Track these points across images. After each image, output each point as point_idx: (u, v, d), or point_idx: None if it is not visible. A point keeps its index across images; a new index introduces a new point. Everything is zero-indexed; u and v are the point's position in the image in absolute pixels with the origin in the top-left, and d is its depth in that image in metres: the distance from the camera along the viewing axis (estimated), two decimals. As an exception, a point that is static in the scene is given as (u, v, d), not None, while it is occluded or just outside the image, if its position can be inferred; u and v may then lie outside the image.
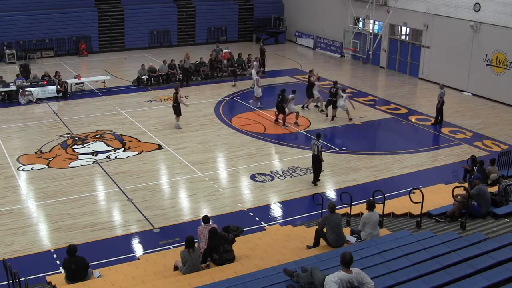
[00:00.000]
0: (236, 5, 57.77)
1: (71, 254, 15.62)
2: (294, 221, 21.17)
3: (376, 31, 47.94)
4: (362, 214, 16.52)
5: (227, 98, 37.50)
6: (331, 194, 24.02)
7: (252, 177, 25.36)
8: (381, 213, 17.68)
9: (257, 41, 56.61)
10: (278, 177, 25.43)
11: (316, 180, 24.76)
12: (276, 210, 22.66)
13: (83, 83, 39.88)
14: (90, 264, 16.01)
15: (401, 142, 30.22)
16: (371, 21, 48.05)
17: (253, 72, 38.09)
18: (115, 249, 19.62)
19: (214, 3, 56.25)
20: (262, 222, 21.35)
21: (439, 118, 32.51)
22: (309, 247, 16.39)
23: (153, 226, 21.09)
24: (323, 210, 18.85)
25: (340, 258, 11.02)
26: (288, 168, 26.34)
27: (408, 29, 45.19)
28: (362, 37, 48.86)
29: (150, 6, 53.44)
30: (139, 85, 40.41)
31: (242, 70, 43.45)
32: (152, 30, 53.97)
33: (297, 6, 57.24)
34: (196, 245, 15.95)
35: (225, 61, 44.23)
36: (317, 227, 16.39)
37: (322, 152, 24.60)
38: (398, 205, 20.04)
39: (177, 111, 31.22)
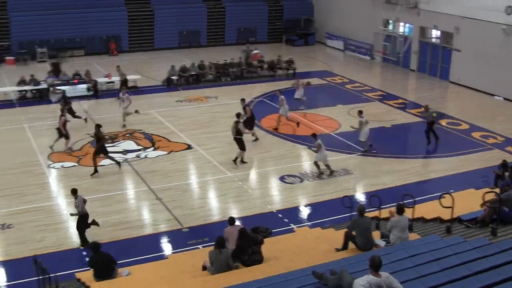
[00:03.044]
0: (265, 6, 57.79)
1: (96, 251, 15.76)
2: (323, 224, 21.09)
3: (406, 34, 47.65)
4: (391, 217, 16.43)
5: (257, 99, 37.50)
6: (360, 197, 23.91)
7: (281, 179, 25.33)
8: (411, 217, 17.57)
9: (287, 42, 56.67)
10: (308, 179, 25.37)
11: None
12: (305, 212, 22.63)
13: (113, 82, 40.15)
14: (119, 262, 16.12)
15: (432, 146, 29.94)
16: (401, 24, 47.79)
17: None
18: (144, 247, 19.72)
19: (244, 4, 56.35)
20: (291, 224, 21.32)
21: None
22: (338, 250, 16.32)
23: (182, 226, 21.17)
24: (352, 213, 18.77)
25: (369, 261, 10.95)
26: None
27: (438, 32, 44.83)
28: (392, 40, 48.55)
29: (180, 6, 53.68)
30: (169, 85, 40.60)
31: (272, 71, 43.52)
32: (181, 30, 54.18)
33: (327, 8, 57.07)
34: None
35: (255, 62, 44.26)
36: (346, 230, 16.33)
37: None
38: (428, 209, 19.84)
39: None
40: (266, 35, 58.14)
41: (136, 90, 38.77)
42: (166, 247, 20.08)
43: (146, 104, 35.73)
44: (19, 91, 38.22)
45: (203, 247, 19.23)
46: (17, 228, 21.12)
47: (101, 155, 26.15)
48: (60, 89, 37.39)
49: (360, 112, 28.53)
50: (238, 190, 24.26)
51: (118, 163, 26.26)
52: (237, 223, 17.59)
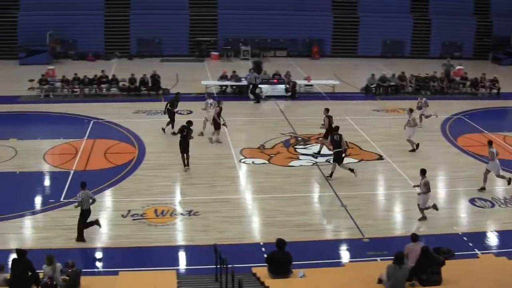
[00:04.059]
0: (473, 21, 55.76)
1: (281, 247, 15.86)
2: (510, 254, 19.96)
3: None
4: None
5: (455, 117, 36.28)
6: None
7: (471, 201, 24.19)
8: None
9: (493, 60, 54.30)
10: (499, 205, 24.08)
11: None
12: (493, 239, 21.45)
13: (312, 85, 40.59)
14: (296, 263, 16.16)
15: None
16: None
17: None
18: (322, 252, 19.67)
19: (451, 17, 54.56)
20: (476, 249, 20.28)
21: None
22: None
23: (363, 236, 20.86)
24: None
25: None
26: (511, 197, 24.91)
27: None
28: None
29: (386, 16, 53.12)
30: (367, 93, 40.37)
31: (474, 89, 41.93)
32: (385, 39, 53.70)
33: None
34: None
35: (457, 78, 42.85)
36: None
37: None
38: None
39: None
40: (472, 51, 56.08)
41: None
42: (344, 254, 19.90)
43: (343, 110, 35.72)
44: (220, 85, 39.70)
45: (381, 259, 18.79)
46: (202, 217, 21.90)
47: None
48: (259, 88, 38.39)
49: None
50: (425, 207, 23.54)
51: (352, 170, 26.08)
52: (420, 240, 17.06)
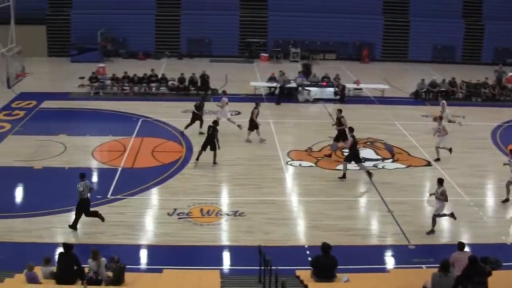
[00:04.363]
0: (528, 27, 54.69)
1: (326, 251, 15.78)
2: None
3: None
4: None
5: (507, 124, 35.63)
6: None
7: (521, 211, 23.81)
8: None
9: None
10: (551, 215, 23.58)
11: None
12: (543, 250, 21.06)
13: (361, 89, 40.36)
14: (340, 267, 16.06)
15: None
16: None
17: None
18: (367, 257, 19.50)
19: (505, 22, 53.41)
20: (525, 260, 19.95)
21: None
22: None
23: (409, 242, 20.60)
24: None
25: None
26: None
27: None
28: None
29: (438, 20, 52.39)
30: (416, 99, 39.94)
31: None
32: (436, 44, 53.04)
33: None
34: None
35: (510, 85, 42.12)
36: None
37: None
38: None
39: None
40: (526, 58, 55.04)
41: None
42: (389, 260, 19.69)
43: (392, 115, 35.42)
44: (269, 87, 39.72)
45: (426, 267, 18.53)
46: (248, 217, 21.92)
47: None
48: (308, 90, 38.33)
49: None
50: (472, 216, 23.06)
51: (369, 173, 26.08)
52: (466, 249, 16.80)
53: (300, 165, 27.55)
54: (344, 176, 25.92)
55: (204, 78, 39.49)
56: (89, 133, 31.33)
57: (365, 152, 29.07)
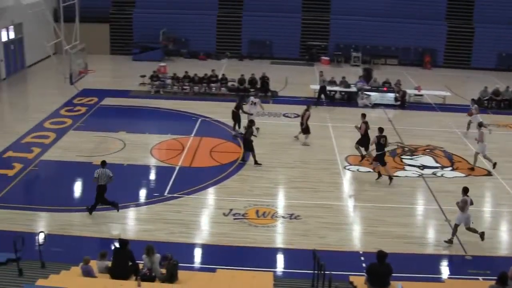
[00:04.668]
0: None
1: (381, 259, 15.58)
2: None
3: None
4: None
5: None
6: None
7: None
8: None
9: None
10: None
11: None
12: None
13: (422, 95, 39.83)
14: (394, 275, 15.84)
15: None
16: None
17: None
18: (422, 266, 19.23)
19: None
20: None
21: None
22: None
23: (465, 253, 20.23)
24: None
25: None
26: None
27: None
28: None
29: (502, 27, 51.23)
30: (479, 107, 39.11)
31: None
32: (501, 52, 51.91)
33: None
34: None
35: None
36: None
37: None
38: None
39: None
40: None
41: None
42: (444, 270, 19.38)
43: (453, 122, 34.87)
44: (329, 91, 39.53)
45: (483, 279, 18.18)
46: (303, 221, 21.87)
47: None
48: (368, 95, 38.05)
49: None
50: (534, 228, 22.64)
51: (391, 178, 25.90)
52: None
53: (357, 170, 27.35)
54: (363, 158, 27.07)
55: (264, 79, 39.54)
56: (148, 131, 31.70)
57: (424, 159, 28.71)
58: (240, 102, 32.03)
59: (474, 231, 20.62)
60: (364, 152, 28.16)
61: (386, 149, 26.46)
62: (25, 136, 30.18)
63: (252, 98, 32.81)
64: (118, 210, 21.62)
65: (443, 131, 33.35)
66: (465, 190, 20.72)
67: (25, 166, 25.99)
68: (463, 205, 20.40)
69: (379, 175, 25.99)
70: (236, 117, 31.56)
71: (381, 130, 26.32)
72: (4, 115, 35.13)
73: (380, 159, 25.94)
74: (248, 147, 27.29)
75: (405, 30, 51.08)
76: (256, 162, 27.10)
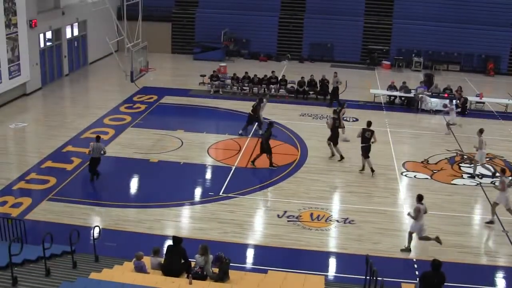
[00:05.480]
0: None
1: (436, 268, 15.31)
2: None
3: None
4: None
5: None
6: None
7: None
8: None
9: None
10: None
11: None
12: None
13: (483, 103, 39.14)
14: (448, 284, 15.64)
15: None
16: None
17: None
18: (477, 276, 18.91)
19: None
20: None
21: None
22: None
23: (524, 264, 19.88)
24: None
25: None
26: None
27: None
28: None
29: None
30: (541, 116, 38.41)
31: None
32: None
33: None
34: None
35: None
36: None
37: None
38: None
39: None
40: None
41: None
42: (500, 282, 18.97)
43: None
44: (389, 95, 39.23)
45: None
46: (357, 226, 21.76)
47: None
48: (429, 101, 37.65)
49: None
50: None
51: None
52: None
53: (415, 176, 27.05)
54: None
55: (324, 82, 39.43)
56: (206, 130, 31.97)
57: (483, 168, 28.19)
58: (258, 103, 32.14)
59: (426, 238, 20.26)
60: (334, 150, 28.44)
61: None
62: (84, 131, 30.82)
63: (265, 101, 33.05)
64: (92, 180, 24.09)
65: (504, 140, 32.73)
66: (420, 198, 20.41)
67: (83, 161, 26.48)
68: (416, 214, 20.00)
69: (342, 157, 27.89)
70: (253, 119, 31.82)
71: (368, 123, 27.04)
72: (66, 110, 35.94)
73: (363, 151, 26.64)
74: (266, 149, 27.21)
75: (469, 36, 50.28)
76: (271, 164, 27.09)
